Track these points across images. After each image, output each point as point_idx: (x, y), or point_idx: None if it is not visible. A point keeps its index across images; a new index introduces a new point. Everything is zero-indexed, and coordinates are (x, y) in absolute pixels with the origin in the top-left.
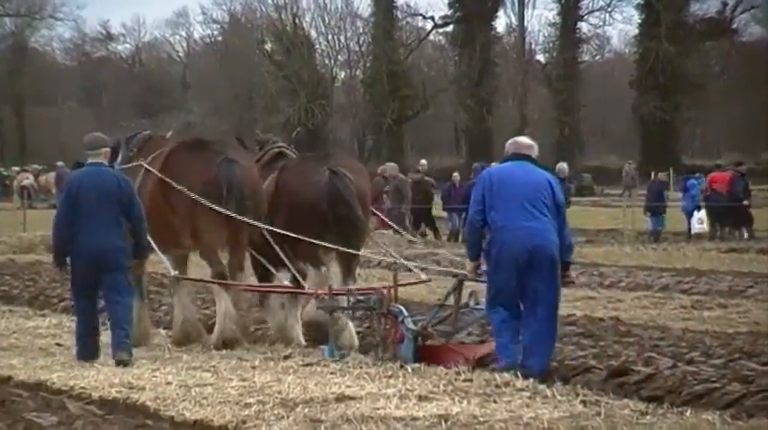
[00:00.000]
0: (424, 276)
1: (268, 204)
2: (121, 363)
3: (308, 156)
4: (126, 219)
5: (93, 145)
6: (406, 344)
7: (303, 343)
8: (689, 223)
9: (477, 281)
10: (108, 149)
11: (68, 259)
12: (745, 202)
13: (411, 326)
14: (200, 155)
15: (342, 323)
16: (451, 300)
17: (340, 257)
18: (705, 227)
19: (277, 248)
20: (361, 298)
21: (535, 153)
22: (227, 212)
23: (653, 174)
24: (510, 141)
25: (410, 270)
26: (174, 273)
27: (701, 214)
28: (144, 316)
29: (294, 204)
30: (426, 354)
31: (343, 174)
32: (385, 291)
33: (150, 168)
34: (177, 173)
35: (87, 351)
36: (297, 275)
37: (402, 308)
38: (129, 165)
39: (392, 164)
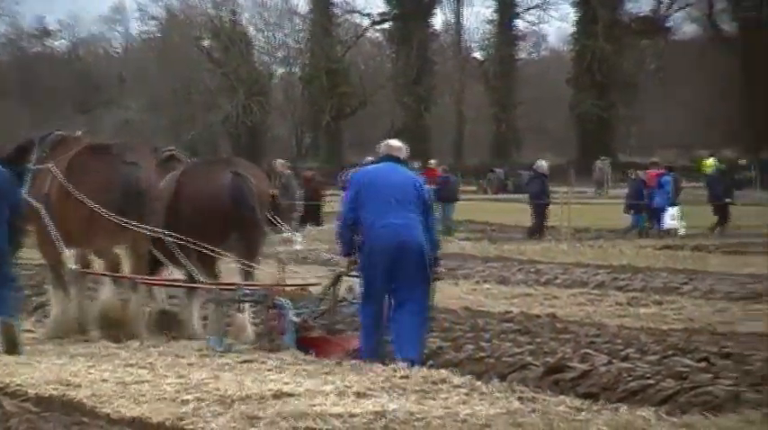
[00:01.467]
0: (312, 279)
1: (166, 205)
2: None
3: (212, 160)
4: (7, 207)
5: None
6: (288, 335)
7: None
8: (658, 219)
9: (352, 276)
10: None
11: None
12: (727, 200)
13: (293, 318)
14: (101, 158)
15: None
16: (330, 294)
17: (240, 254)
18: (676, 223)
19: (175, 247)
20: (248, 291)
21: (404, 155)
22: (120, 220)
23: (632, 171)
24: (383, 143)
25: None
26: (74, 267)
27: (674, 211)
28: (67, 309)
29: (197, 205)
30: (307, 345)
31: (246, 178)
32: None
33: (56, 172)
34: (80, 176)
35: None
36: (194, 270)
37: (284, 301)
38: (40, 166)
39: (281, 160)
